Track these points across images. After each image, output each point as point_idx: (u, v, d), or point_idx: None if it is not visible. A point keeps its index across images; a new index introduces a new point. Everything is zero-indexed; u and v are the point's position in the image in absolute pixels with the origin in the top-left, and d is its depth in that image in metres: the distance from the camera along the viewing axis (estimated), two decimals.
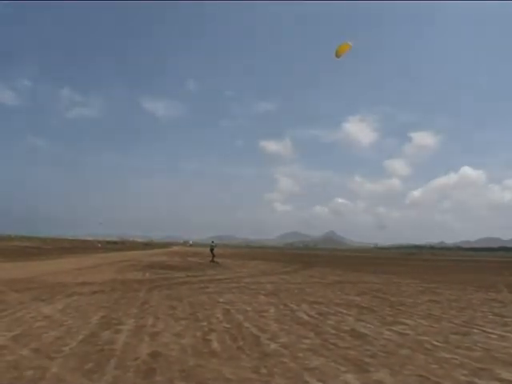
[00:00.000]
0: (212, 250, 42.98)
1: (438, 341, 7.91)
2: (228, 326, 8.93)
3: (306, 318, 10.12)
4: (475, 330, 9.05)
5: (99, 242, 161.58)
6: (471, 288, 18.58)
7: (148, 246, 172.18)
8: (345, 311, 11.22)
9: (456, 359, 6.63)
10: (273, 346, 7.26)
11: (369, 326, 9.32)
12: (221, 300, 12.73)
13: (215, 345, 7.24)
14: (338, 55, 11.83)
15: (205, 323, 9.11)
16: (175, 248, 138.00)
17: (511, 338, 8.40)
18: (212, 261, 39.30)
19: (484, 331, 8.97)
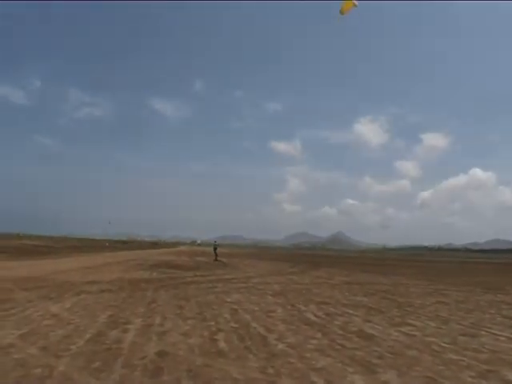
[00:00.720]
0: (215, 249, 43.62)
1: (445, 342, 7.87)
2: (235, 325, 8.94)
3: (313, 318, 10.11)
4: (483, 332, 8.99)
5: (107, 241, 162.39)
6: (479, 290, 18.45)
7: (156, 245, 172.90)
8: (352, 312, 11.19)
9: (463, 361, 6.60)
10: (280, 346, 7.27)
11: (376, 326, 9.29)
12: (228, 300, 12.74)
13: (222, 344, 7.25)
14: (342, 13, 11.56)
15: (212, 323, 9.12)
16: (183, 247, 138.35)
17: None
18: (215, 260, 39.65)
19: (492, 333, 8.91)
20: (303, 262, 48.99)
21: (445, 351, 7.20)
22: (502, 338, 8.41)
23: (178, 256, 52.77)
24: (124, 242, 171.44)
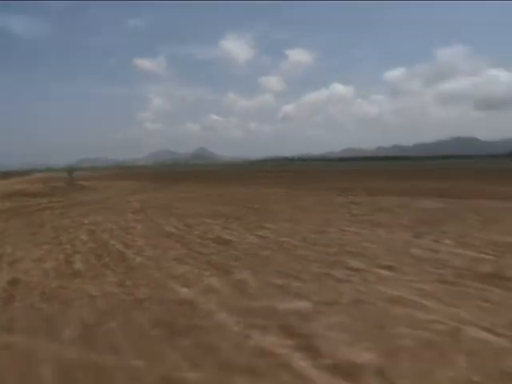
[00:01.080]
0: (71, 173, 42.24)
1: (297, 240, 8.54)
2: (93, 246, 8.79)
3: (172, 230, 10.30)
4: (332, 229, 9.85)
5: None
6: (333, 194, 19.94)
7: (7, 175, 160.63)
8: (211, 221, 11.57)
9: (312, 255, 7.23)
10: (138, 259, 7.34)
11: (234, 233, 9.74)
12: (86, 222, 12.39)
13: (79, 265, 7.10)
14: None
15: (68, 246, 8.86)
16: (39, 175, 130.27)
17: (363, 233, 9.31)
18: (71, 183, 38.47)
19: (340, 230, 9.81)
20: (165, 178, 48.93)
21: (295, 249, 7.82)
22: (349, 233, 9.32)
23: (31, 184, 49.64)
24: None
